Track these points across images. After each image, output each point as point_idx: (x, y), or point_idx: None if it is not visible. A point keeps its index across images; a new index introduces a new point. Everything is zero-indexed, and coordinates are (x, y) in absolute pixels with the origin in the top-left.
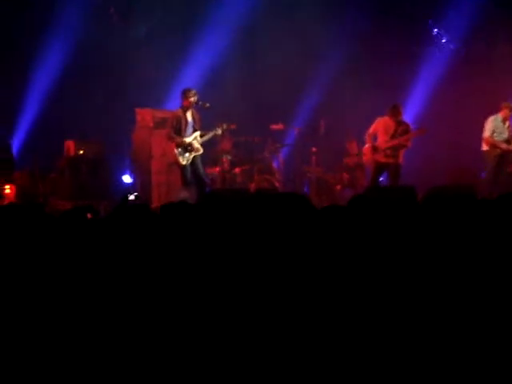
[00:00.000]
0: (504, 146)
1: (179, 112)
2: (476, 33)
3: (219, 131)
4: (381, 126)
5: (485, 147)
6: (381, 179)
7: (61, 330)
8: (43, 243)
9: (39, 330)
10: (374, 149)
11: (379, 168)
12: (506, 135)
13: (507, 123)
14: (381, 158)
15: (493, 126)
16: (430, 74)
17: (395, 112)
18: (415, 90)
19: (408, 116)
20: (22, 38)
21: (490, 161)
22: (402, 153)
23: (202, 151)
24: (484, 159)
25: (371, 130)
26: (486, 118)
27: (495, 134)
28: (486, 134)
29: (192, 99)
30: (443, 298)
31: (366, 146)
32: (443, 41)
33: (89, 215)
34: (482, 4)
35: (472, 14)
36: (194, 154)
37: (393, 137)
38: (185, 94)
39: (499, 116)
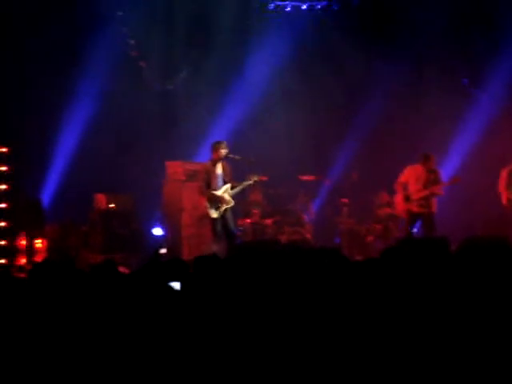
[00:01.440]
0: None
1: (209, 165)
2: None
3: (250, 182)
4: (412, 174)
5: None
6: (415, 230)
7: None
8: (74, 299)
9: None
10: (407, 198)
11: (413, 218)
12: None
13: None
14: (414, 208)
15: (508, 178)
16: (465, 126)
17: (427, 160)
18: (449, 142)
19: (444, 167)
20: (51, 90)
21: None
22: (434, 201)
23: (232, 203)
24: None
25: (402, 178)
26: None
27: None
28: (501, 187)
29: (222, 151)
30: (479, 348)
31: (398, 195)
32: (474, 91)
33: (120, 269)
34: None
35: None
36: (224, 207)
37: (425, 186)
38: (215, 146)
39: None
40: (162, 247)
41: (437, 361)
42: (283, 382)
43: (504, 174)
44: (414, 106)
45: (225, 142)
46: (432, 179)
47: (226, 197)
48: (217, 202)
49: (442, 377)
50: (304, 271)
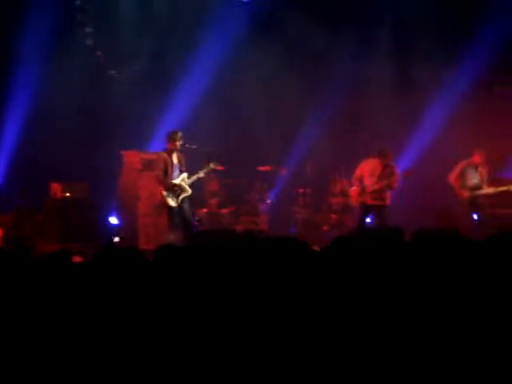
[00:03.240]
0: (466, 194)
1: (165, 155)
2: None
3: (206, 171)
4: (367, 168)
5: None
6: (368, 221)
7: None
8: (28, 289)
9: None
10: (362, 191)
11: (366, 210)
12: (476, 180)
13: (479, 169)
14: (368, 200)
15: (461, 171)
16: (422, 119)
17: (383, 155)
18: (406, 135)
19: (400, 159)
20: (6, 77)
21: (460, 205)
22: (388, 194)
23: (190, 192)
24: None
25: (358, 172)
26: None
27: (462, 179)
28: (452, 178)
29: (178, 142)
30: (430, 338)
31: (354, 188)
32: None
33: (75, 258)
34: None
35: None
36: (182, 196)
37: (379, 179)
38: (171, 136)
39: (471, 161)
40: (115, 236)
41: (386, 344)
42: (236, 369)
43: (460, 165)
44: (371, 98)
45: (180, 133)
46: (387, 173)
47: (184, 186)
48: (175, 190)
49: (390, 361)
50: (261, 260)
